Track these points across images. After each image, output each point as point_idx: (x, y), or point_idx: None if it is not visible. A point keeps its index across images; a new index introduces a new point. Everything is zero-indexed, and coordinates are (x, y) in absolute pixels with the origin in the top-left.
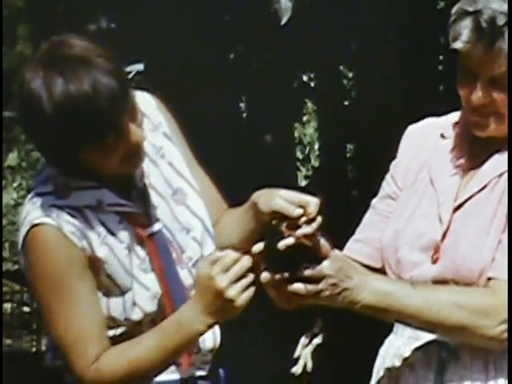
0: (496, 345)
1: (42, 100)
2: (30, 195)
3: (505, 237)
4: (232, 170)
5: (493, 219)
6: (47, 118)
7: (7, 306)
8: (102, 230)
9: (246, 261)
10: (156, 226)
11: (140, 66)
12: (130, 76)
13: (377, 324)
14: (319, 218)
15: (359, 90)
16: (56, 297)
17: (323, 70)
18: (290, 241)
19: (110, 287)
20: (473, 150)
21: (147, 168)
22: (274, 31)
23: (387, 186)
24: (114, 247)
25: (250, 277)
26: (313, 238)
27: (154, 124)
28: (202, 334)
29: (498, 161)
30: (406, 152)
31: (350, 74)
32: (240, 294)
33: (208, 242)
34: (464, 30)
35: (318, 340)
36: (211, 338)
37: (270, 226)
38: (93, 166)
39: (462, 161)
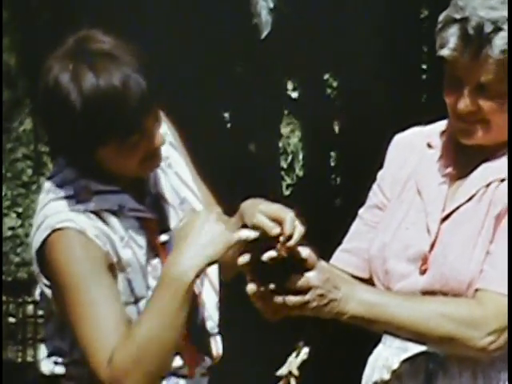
0: (484, 356)
1: (71, 94)
2: (44, 200)
3: (493, 247)
4: (216, 180)
5: (480, 230)
6: (75, 113)
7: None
8: (124, 234)
9: None
10: (168, 234)
11: None
12: None
13: (365, 333)
14: (296, 234)
15: (343, 99)
16: (78, 294)
17: (307, 79)
18: (272, 253)
19: (126, 295)
20: (460, 159)
21: (158, 176)
22: (257, 43)
23: (374, 195)
24: (136, 252)
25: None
26: (295, 251)
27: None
28: (192, 279)
29: (486, 170)
30: (393, 162)
31: (334, 84)
32: (236, 235)
33: None
34: (451, 37)
35: (304, 355)
36: (214, 348)
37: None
38: (113, 167)
39: (449, 170)
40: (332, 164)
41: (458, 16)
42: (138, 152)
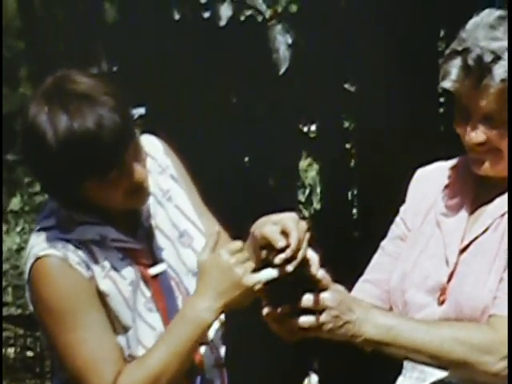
0: (499, 381)
1: (47, 135)
2: (34, 231)
3: (505, 275)
4: (234, 214)
5: (495, 258)
6: (51, 153)
7: (11, 350)
8: (105, 263)
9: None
10: (160, 267)
11: (142, 110)
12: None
13: (386, 365)
14: (301, 252)
15: (361, 133)
16: (66, 325)
17: (324, 113)
18: (273, 273)
19: (114, 323)
20: (479, 192)
21: (154, 209)
22: (275, 78)
23: (396, 227)
24: (118, 282)
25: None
26: (309, 272)
27: (162, 167)
28: (209, 322)
29: (502, 201)
30: (415, 195)
31: (352, 118)
32: (254, 279)
33: None
34: (453, 69)
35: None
36: (215, 356)
37: (267, 259)
38: (97, 200)
39: (467, 202)
40: (349, 197)
41: (459, 48)
42: (119, 187)
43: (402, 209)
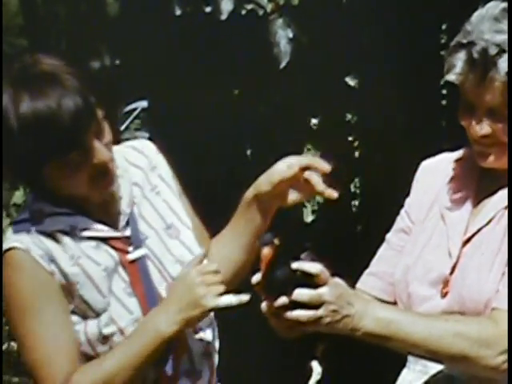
0: (498, 375)
1: (10, 116)
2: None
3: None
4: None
5: (498, 251)
6: (13, 133)
7: (14, 344)
8: (75, 252)
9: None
10: (139, 252)
11: (144, 103)
12: (136, 113)
13: (391, 358)
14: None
15: (363, 126)
16: (23, 318)
17: (325, 106)
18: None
19: (85, 310)
20: (483, 184)
21: (140, 200)
22: (275, 72)
23: (401, 220)
24: (89, 269)
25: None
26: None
27: (152, 164)
28: (167, 335)
29: (504, 194)
30: (419, 187)
31: (354, 110)
32: (214, 302)
33: None
34: (457, 61)
35: (317, 375)
36: (203, 343)
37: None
38: (61, 185)
39: (471, 195)
40: (353, 190)
41: (464, 40)
42: (81, 169)
43: (407, 201)
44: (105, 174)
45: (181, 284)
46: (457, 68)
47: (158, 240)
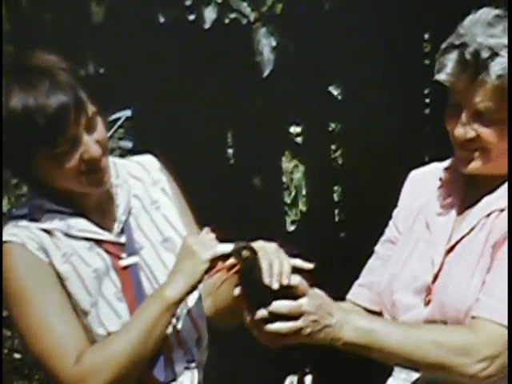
0: (477, 383)
1: (2, 108)
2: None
3: (489, 277)
4: (220, 216)
5: (479, 259)
6: (4, 125)
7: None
8: (68, 250)
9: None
10: (131, 259)
11: (128, 112)
12: (120, 122)
13: (378, 366)
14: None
15: (346, 134)
16: (25, 308)
17: (309, 115)
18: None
19: (75, 307)
20: (468, 192)
21: (138, 212)
22: (259, 80)
23: (389, 230)
24: (79, 268)
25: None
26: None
27: (154, 179)
28: (172, 300)
29: (488, 201)
30: (407, 196)
31: (338, 119)
32: (210, 252)
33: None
34: (449, 62)
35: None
36: (195, 331)
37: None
38: (51, 178)
39: (456, 203)
40: (336, 199)
41: (457, 42)
42: (71, 162)
43: (395, 212)
44: (95, 171)
45: (180, 252)
46: (448, 68)
47: (153, 251)
